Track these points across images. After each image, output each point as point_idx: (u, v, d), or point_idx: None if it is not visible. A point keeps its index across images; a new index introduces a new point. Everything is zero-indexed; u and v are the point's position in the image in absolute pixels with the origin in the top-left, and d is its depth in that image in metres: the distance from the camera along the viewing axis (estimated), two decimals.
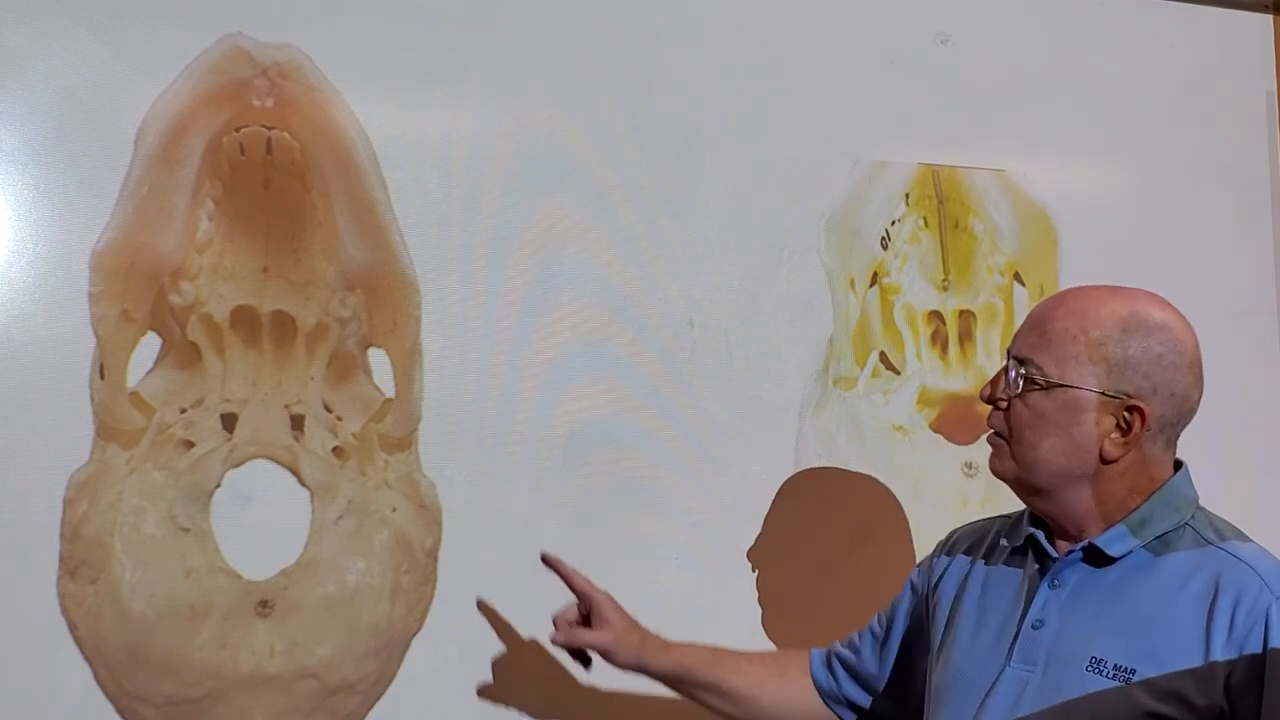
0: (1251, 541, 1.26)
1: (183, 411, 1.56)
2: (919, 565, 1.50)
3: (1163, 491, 1.26)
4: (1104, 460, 1.25)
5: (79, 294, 1.53)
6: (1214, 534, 1.25)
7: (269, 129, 1.62)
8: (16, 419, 1.50)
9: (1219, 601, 1.19)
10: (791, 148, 1.92)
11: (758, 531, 1.85)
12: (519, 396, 1.71)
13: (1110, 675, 1.21)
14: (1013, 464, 1.29)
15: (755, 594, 1.84)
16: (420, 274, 1.68)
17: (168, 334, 1.56)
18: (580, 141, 1.79)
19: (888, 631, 1.49)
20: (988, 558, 1.38)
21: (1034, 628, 1.27)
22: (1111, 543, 1.26)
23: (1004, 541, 1.37)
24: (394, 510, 1.65)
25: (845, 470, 1.91)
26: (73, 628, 1.50)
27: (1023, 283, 2.06)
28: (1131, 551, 1.25)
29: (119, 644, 1.51)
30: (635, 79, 1.83)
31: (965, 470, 1.98)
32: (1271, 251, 2.27)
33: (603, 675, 1.75)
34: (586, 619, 1.52)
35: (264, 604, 1.58)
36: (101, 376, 1.53)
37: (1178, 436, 1.29)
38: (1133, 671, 1.20)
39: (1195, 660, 1.18)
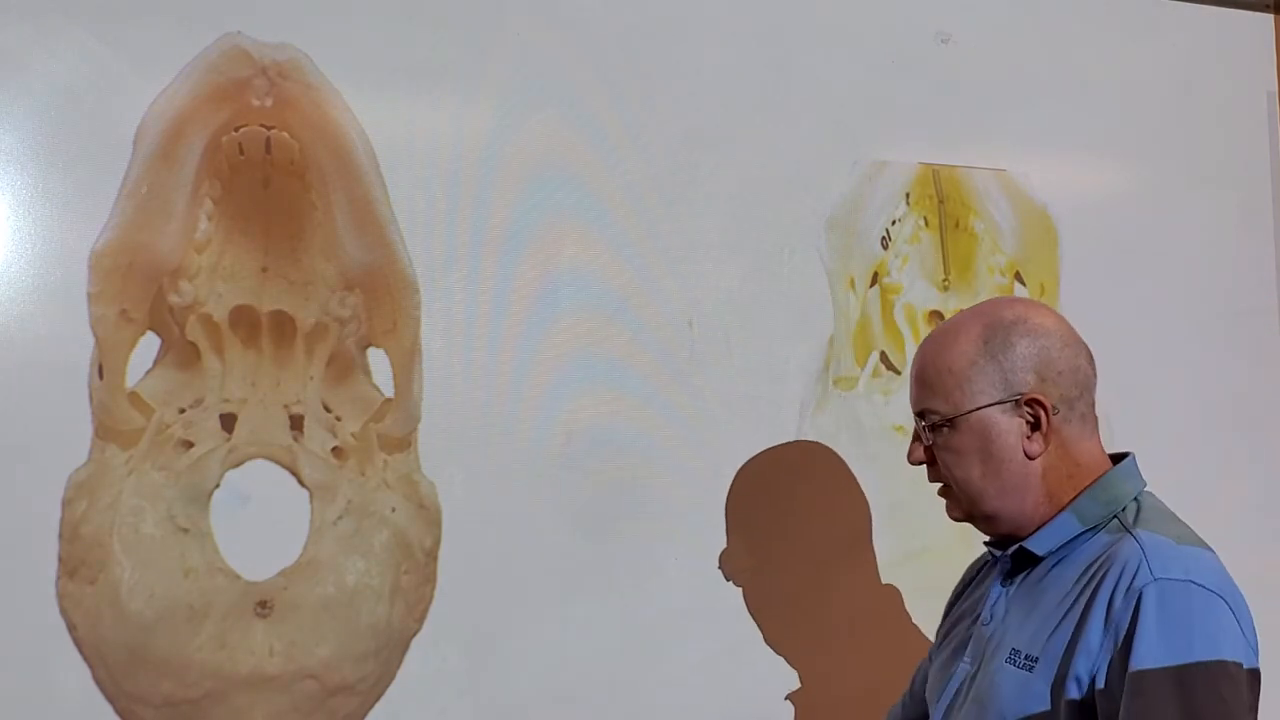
0: (1171, 528, 1.25)
1: (182, 411, 1.56)
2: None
3: (1094, 486, 1.28)
4: (1030, 457, 1.28)
5: (78, 294, 1.52)
6: (1133, 520, 1.26)
7: (268, 128, 1.61)
8: (16, 419, 1.50)
9: (1104, 583, 1.21)
10: (791, 148, 1.92)
11: (757, 531, 1.85)
12: (519, 396, 1.70)
13: (1020, 665, 1.23)
14: (962, 504, 1.33)
15: (755, 594, 1.83)
16: (420, 274, 1.68)
17: (167, 334, 1.56)
18: (580, 141, 1.78)
19: None
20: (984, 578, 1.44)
21: (983, 625, 1.32)
22: (1040, 541, 1.28)
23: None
24: (393, 510, 1.65)
25: (844, 469, 1.91)
26: (72, 628, 1.50)
27: (1023, 282, 2.06)
28: (1063, 545, 1.27)
29: (118, 644, 1.51)
30: (635, 79, 1.83)
31: None
32: (1272, 251, 2.26)
33: (603, 675, 1.75)
34: None
35: (263, 604, 1.58)
36: (100, 376, 1.53)
37: (1092, 408, 1.31)
38: (1035, 660, 1.22)
39: (1085, 643, 1.20)
